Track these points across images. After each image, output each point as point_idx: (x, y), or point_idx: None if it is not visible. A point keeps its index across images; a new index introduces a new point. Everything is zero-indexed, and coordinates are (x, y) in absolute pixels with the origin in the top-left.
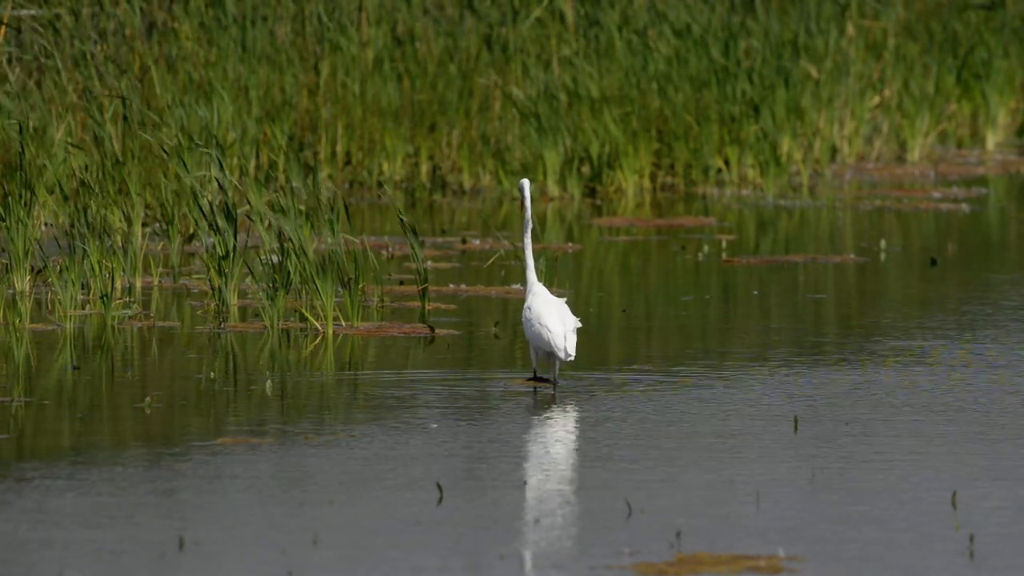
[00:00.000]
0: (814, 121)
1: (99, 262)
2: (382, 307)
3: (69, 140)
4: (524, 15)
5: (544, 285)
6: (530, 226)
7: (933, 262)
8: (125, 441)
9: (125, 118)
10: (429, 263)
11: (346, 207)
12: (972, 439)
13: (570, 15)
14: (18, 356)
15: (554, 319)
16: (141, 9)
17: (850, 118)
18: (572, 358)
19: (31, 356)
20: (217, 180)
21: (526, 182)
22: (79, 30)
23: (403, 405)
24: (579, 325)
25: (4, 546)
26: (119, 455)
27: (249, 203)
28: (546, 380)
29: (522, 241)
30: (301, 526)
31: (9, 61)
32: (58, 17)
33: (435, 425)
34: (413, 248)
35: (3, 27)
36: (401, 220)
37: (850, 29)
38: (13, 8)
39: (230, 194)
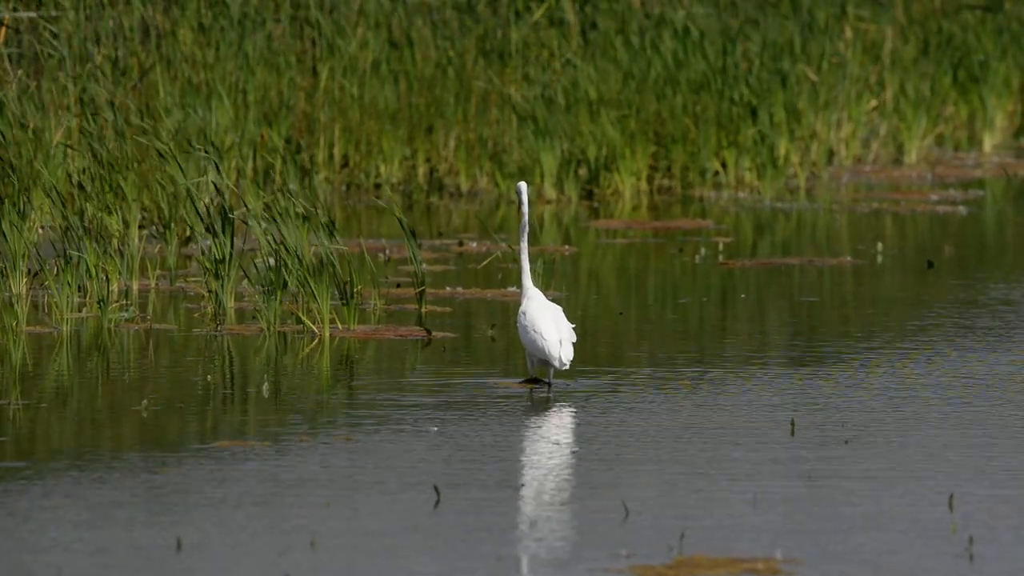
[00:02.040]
0: (811, 124)
1: (96, 265)
2: (379, 308)
3: (68, 142)
4: (525, 18)
5: (541, 288)
6: (527, 229)
7: (930, 265)
8: (122, 444)
9: (125, 122)
10: (425, 265)
11: (332, 221)
12: (969, 441)
13: (572, 17)
14: (15, 359)
15: (549, 326)
16: (140, 12)
17: (847, 121)
18: (567, 367)
19: (28, 359)
20: (214, 184)
21: (523, 185)
22: (77, 32)
23: (399, 408)
24: (574, 338)
25: (4, 547)
26: (117, 458)
27: (246, 207)
28: (541, 382)
29: (519, 244)
30: (298, 529)
31: (10, 61)
32: (56, 19)
33: (435, 428)
34: (411, 250)
35: (3, 28)
36: (400, 222)
37: (847, 32)
38: (12, 9)
39: (227, 197)
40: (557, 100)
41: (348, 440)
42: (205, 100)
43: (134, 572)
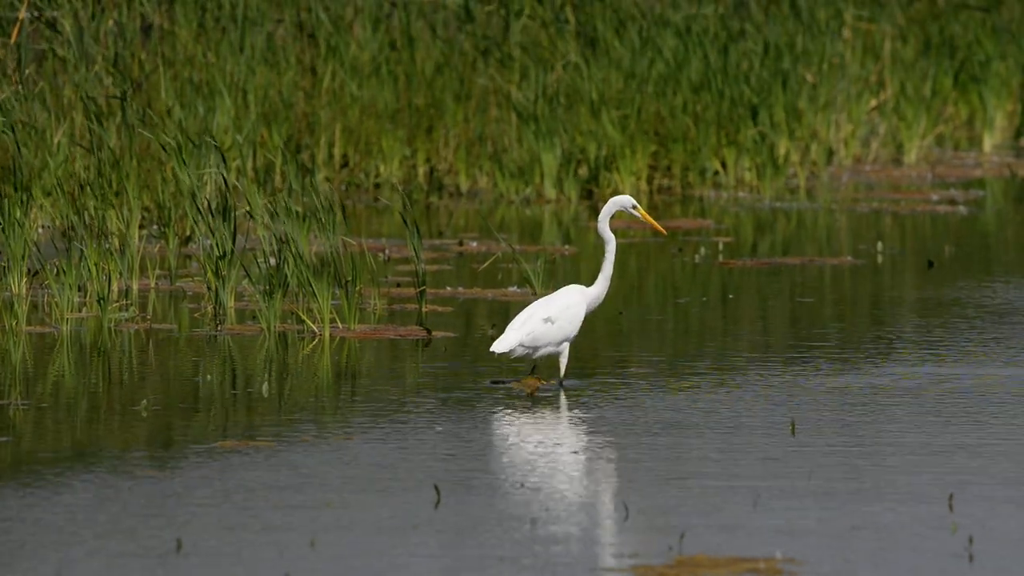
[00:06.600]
0: (811, 123)
1: (96, 264)
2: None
3: (72, 139)
4: (523, 18)
5: (541, 287)
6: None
7: (930, 264)
8: (123, 444)
9: (124, 118)
10: (424, 265)
11: (343, 208)
12: (969, 441)
13: (571, 17)
14: (15, 359)
15: (517, 318)
16: (140, 12)
17: (847, 120)
18: (494, 353)
19: (28, 359)
20: (222, 176)
21: (627, 199)
22: (79, 32)
23: (400, 407)
24: (532, 330)
25: (3, 547)
26: (116, 458)
27: (249, 203)
28: (537, 379)
29: (606, 256)
30: (298, 528)
31: (18, 60)
32: (57, 19)
33: (440, 428)
34: (413, 247)
35: (17, 26)
36: (403, 217)
37: (847, 32)
38: (15, 9)
39: (230, 189)
40: (557, 99)
41: (348, 440)
42: (206, 100)
43: (135, 572)
